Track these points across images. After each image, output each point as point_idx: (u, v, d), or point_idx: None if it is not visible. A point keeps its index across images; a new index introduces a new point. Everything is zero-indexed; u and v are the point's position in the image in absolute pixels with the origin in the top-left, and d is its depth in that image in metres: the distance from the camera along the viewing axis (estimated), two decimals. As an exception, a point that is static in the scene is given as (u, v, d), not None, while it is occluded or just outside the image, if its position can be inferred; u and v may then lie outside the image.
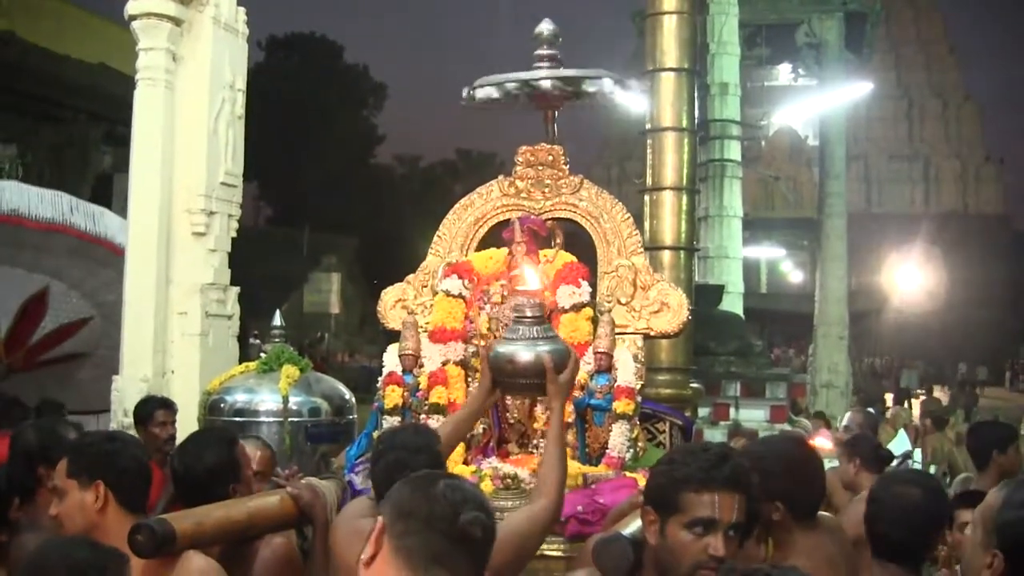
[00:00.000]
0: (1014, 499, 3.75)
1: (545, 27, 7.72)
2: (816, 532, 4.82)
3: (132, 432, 8.66)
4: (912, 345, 59.67)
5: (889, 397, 34.77)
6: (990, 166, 73.35)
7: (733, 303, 25.80)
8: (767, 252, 62.97)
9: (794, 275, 67.92)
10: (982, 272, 62.39)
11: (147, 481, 4.50)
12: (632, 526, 3.88)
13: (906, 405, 29.43)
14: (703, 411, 17.12)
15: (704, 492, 3.52)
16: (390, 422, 6.62)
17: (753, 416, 19.17)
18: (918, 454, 18.64)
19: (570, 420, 6.46)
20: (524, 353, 4.40)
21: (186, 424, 8.66)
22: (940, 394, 36.37)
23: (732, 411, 19.56)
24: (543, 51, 7.69)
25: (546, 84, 7.56)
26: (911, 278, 61.50)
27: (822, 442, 14.63)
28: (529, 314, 4.52)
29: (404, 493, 2.83)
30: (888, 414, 22.66)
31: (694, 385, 11.09)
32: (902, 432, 18.63)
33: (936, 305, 62.22)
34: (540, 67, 7.71)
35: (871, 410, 14.76)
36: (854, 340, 32.52)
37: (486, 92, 7.71)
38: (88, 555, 3.58)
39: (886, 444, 16.55)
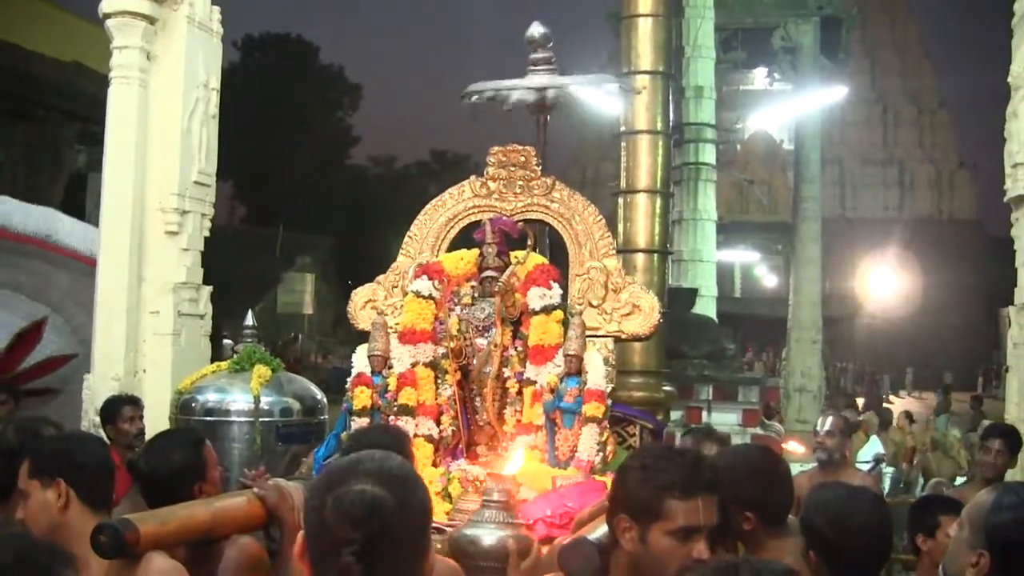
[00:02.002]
0: (1003, 502, 3.82)
1: (536, 30, 7.71)
2: (787, 538, 4.83)
3: (100, 431, 8.67)
4: (886, 351, 59.83)
5: (860, 402, 34.93)
6: (964, 172, 73.49)
7: (707, 307, 25.81)
8: (741, 256, 63.07)
9: (768, 279, 68.05)
10: (956, 277, 62.57)
11: (110, 477, 4.48)
12: (598, 531, 3.88)
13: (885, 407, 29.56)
14: (675, 414, 17.12)
15: (688, 499, 3.53)
16: (359, 423, 6.61)
17: (725, 420, 19.14)
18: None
19: (540, 423, 6.46)
20: (487, 538, 4.44)
21: (157, 423, 8.65)
22: (910, 400, 36.51)
23: (704, 414, 19.57)
24: (537, 55, 7.70)
25: (551, 93, 7.60)
26: (885, 283, 61.73)
27: (794, 447, 14.69)
28: (496, 498, 4.56)
29: (309, 510, 2.77)
30: (860, 419, 22.72)
31: (666, 388, 11.14)
32: (874, 437, 18.71)
33: (910, 310, 62.41)
34: (536, 71, 7.72)
35: (846, 414, 14.80)
36: (828, 345, 32.59)
37: (481, 99, 7.74)
38: (30, 550, 3.55)
39: (857, 449, 16.68)
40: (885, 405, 32.71)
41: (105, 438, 8.42)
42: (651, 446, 5.01)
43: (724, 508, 3.88)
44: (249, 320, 9.70)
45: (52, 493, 4.24)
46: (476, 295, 6.82)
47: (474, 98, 7.90)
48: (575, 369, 6.41)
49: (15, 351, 12.06)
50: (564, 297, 6.81)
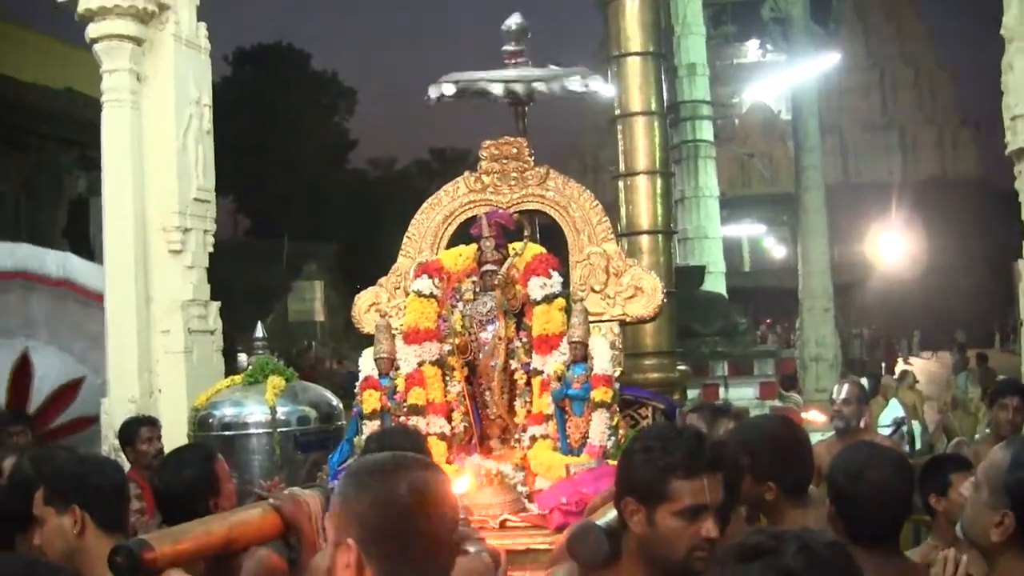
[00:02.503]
0: (1021, 455, 3.73)
1: (513, 21, 7.69)
2: (808, 508, 4.86)
3: (119, 454, 8.69)
4: (898, 314, 59.71)
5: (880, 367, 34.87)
6: (966, 131, 73.35)
7: (716, 283, 25.83)
8: (748, 230, 63.08)
9: (776, 251, 67.87)
10: (963, 237, 62.45)
11: (124, 500, 4.48)
12: (608, 515, 3.87)
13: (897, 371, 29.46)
14: (692, 393, 17.13)
15: (692, 479, 3.52)
16: (370, 427, 6.61)
17: (743, 394, 19.19)
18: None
19: (550, 412, 6.46)
20: None
21: (176, 442, 8.59)
22: (930, 361, 36.45)
23: (721, 390, 19.57)
24: (511, 47, 7.68)
25: (516, 87, 7.58)
26: (893, 247, 61.62)
27: (814, 415, 14.65)
28: None
29: (368, 504, 2.75)
30: (880, 383, 22.68)
31: (681, 368, 11.14)
32: (894, 401, 18.66)
33: (919, 272, 62.32)
34: (509, 64, 7.71)
35: (864, 380, 14.78)
36: (840, 312, 32.49)
37: (450, 90, 7.72)
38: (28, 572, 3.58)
39: (877, 414, 16.64)
40: (905, 367, 32.61)
41: (125, 460, 8.46)
42: (654, 427, 5.00)
43: (735, 483, 3.88)
44: (259, 332, 9.71)
45: (68, 519, 4.24)
46: (477, 290, 6.81)
47: (433, 93, 7.87)
48: (580, 356, 6.39)
49: (15, 395, 12.04)
50: (565, 285, 6.80)
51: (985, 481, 3.79)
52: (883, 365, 37.88)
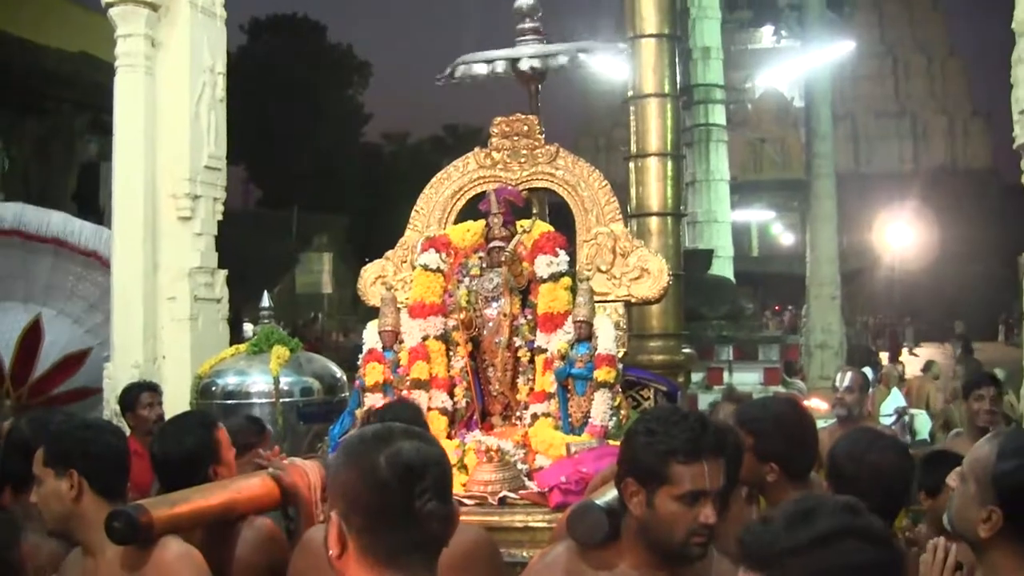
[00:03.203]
0: (1007, 449, 3.65)
1: (524, 1, 7.69)
2: (811, 492, 4.84)
3: (120, 419, 8.71)
4: (905, 303, 59.65)
5: (884, 356, 34.86)
6: (977, 120, 73.23)
7: (723, 267, 25.83)
8: (757, 215, 63.03)
9: (785, 237, 67.83)
10: (972, 227, 62.29)
11: (124, 467, 4.48)
12: (608, 495, 3.88)
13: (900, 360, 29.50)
14: (696, 376, 17.14)
15: (693, 463, 3.54)
16: (372, 399, 6.59)
17: (747, 379, 19.16)
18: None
19: (552, 391, 6.45)
20: None
21: (178, 409, 8.61)
22: (935, 351, 36.41)
23: (725, 375, 19.57)
24: (524, 25, 7.68)
25: (526, 64, 7.56)
26: (902, 236, 61.42)
27: (817, 403, 14.68)
28: None
29: (350, 476, 2.75)
30: (882, 372, 22.68)
31: (686, 350, 11.14)
32: (895, 390, 18.68)
33: (928, 262, 62.15)
34: (522, 42, 7.70)
35: (867, 369, 14.77)
36: (847, 300, 32.46)
37: (465, 71, 7.72)
38: None
39: (880, 402, 16.67)
40: (909, 356, 32.64)
41: (125, 426, 8.48)
42: (657, 409, 4.99)
43: (736, 467, 3.89)
44: (265, 302, 9.72)
45: (65, 483, 4.24)
46: (484, 266, 6.79)
47: (447, 72, 7.88)
48: (585, 335, 6.38)
49: (22, 358, 12.09)
50: (572, 264, 6.80)
51: (972, 475, 3.72)
52: (887, 354, 37.80)
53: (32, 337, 12.24)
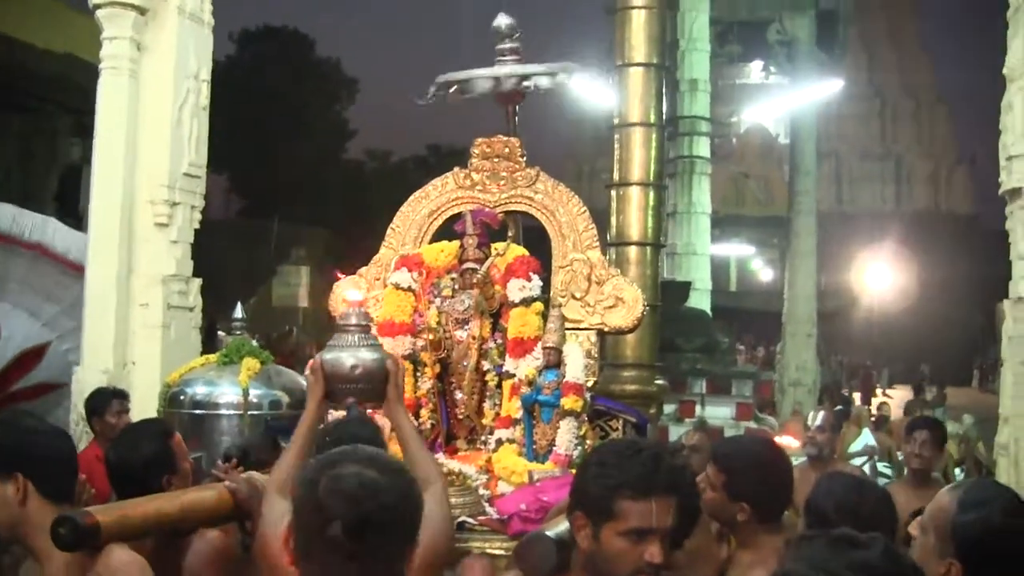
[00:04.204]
0: (968, 500, 3.61)
1: (502, 21, 7.67)
2: (780, 534, 4.77)
3: (84, 423, 8.65)
4: (882, 345, 59.75)
5: (856, 396, 34.92)
6: (962, 166, 73.48)
7: (701, 300, 25.85)
8: (737, 250, 63.14)
9: (764, 273, 68.06)
10: (952, 272, 62.39)
11: (70, 471, 4.41)
12: (560, 526, 3.83)
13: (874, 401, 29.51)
14: (669, 407, 17.12)
15: (641, 500, 3.46)
16: (336, 415, 6.58)
17: (719, 413, 19.18)
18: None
19: (518, 416, 6.43)
20: (354, 359, 4.49)
21: (146, 416, 8.61)
22: (908, 393, 36.46)
23: (698, 408, 19.57)
24: (504, 45, 7.66)
25: (507, 83, 7.54)
26: (881, 277, 61.55)
27: (788, 441, 14.66)
28: (354, 322, 4.62)
29: (301, 489, 2.78)
30: (852, 412, 22.72)
31: (659, 382, 11.10)
32: (866, 431, 18.68)
33: (905, 304, 62.30)
34: (502, 62, 7.68)
35: (840, 408, 14.75)
36: (823, 339, 32.53)
37: (443, 91, 7.69)
38: None
39: (850, 442, 16.67)
40: (883, 400, 32.66)
41: (90, 430, 8.41)
42: (613, 441, 4.94)
43: (691, 507, 3.84)
44: (239, 312, 9.69)
45: (11, 487, 4.18)
46: (456, 287, 6.78)
47: (425, 97, 7.86)
48: (554, 362, 6.36)
49: (15, 368, 12.00)
50: (545, 289, 6.77)
51: (932, 526, 3.67)
52: (859, 395, 37.89)
53: (32, 358, 12.15)
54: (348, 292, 5.26)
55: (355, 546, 2.66)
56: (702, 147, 26.89)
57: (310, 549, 2.72)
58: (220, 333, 11.32)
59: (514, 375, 6.48)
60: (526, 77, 7.52)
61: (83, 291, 10.77)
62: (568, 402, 6.27)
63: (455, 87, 7.68)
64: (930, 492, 4.45)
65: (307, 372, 4.72)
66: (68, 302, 12.16)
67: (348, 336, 4.55)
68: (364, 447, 2.91)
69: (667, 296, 16.12)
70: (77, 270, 11.83)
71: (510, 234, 7.05)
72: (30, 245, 12.21)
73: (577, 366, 6.39)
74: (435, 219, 7.24)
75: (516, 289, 6.60)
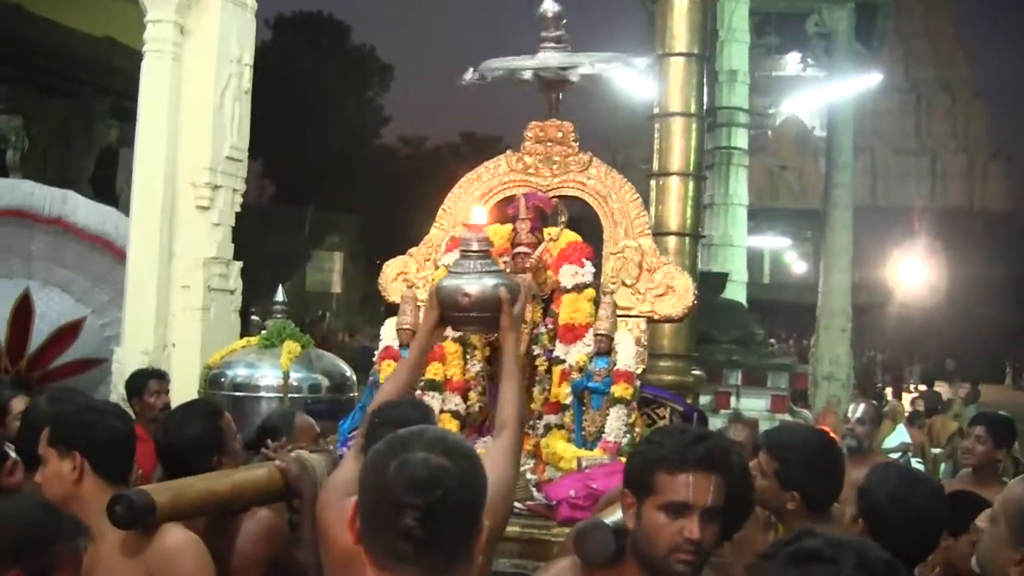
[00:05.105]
0: None
1: (550, 7, 7.63)
2: (829, 525, 4.74)
3: (126, 404, 8.67)
4: (915, 340, 59.51)
5: (888, 391, 34.78)
6: (997, 163, 73.06)
7: (736, 292, 25.72)
8: (771, 242, 62.97)
9: (797, 266, 67.81)
10: (986, 269, 62.11)
11: (127, 452, 4.44)
12: (616, 514, 3.81)
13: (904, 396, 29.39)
14: (704, 399, 17.06)
15: (677, 473, 3.44)
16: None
17: (754, 405, 19.11)
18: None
19: (567, 403, 6.41)
20: (472, 286, 4.35)
21: (186, 398, 8.59)
22: (942, 389, 36.30)
23: (733, 399, 19.49)
24: (548, 33, 7.61)
25: (551, 73, 7.49)
26: (915, 273, 61.35)
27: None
28: (476, 248, 4.47)
29: (368, 474, 2.74)
30: (887, 408, 22.63)
31: (695, 372, 11.07)
32: (900, 426, 18.60)
33: (939, 301, 62.05)
34: (545, 49, 7.65)
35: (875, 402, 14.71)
36: (857, 334, 32.39)
37: (489, 74, 7.65)
38: (42, 515, 3.59)
39: (884, 437, 16.61)
40: (915, 395, 32.50)
41: (131, 411, 8.43)
42: (667, 426, 4.90)
43: (740, 490, 3.81)
44: (279, 296, 9.72)
45: (68, 464, 4.21)
46: (508, 271, 6.76)
47: (467, 77, 7.79)
48: (605, 349, 6.33)
49: (16, 333, 12.04)
50: (597, 276, 6.75)
51: (1003, 516, 3.65)
52: (890, 390, 37.73)
53: (24, 310, 12.18)
54: (473, 212, 5.16)
55: (423, 532, 2.64)
56: (740, 138, 26.73)
57: (376, 534, 2.69)
58: (254, 317, 11.32)
59: (564, 361, 6.46)
60: (575, 66, 7.47)
61: (111, 264, 10.80)
62: (619, 389, 6.24)
63: (499, 71, 7.62)
64: (991, 490, 4.41)
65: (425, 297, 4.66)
66: (96, 275, 12.19)
67: (468, 262, 4.44)
68: (431, 428, 2.89)
69: (704, 287, 16.08)
70: (101, 243, 11.88)
71: (562, 219, 7.01)
72: (50, 220, 12.20)
73: (628, 353, 6.37)
74: (487, 201, 7.19)
75: (568, 275, 6.57)
